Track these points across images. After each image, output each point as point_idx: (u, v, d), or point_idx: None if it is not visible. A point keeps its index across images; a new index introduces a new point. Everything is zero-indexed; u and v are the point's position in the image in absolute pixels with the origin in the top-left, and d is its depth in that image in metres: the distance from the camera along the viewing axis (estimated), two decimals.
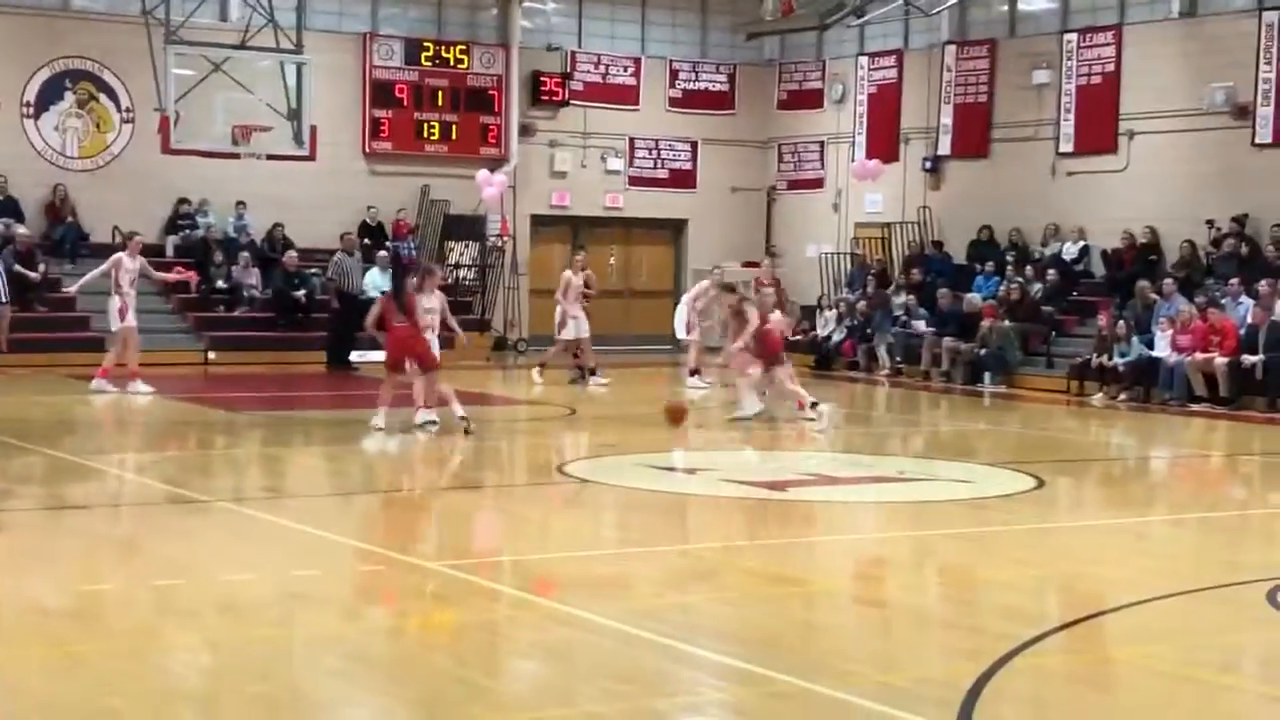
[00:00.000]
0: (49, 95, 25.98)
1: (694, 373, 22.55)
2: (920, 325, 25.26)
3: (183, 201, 26.65)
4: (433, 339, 17.21)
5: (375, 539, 11.01)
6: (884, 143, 29.09)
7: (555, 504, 13.05)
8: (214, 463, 15.27)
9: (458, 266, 28.43)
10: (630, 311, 30.62)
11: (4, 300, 12.25)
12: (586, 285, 22.87)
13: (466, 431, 15.97)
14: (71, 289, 21.46)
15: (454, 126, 28.81)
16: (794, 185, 31.39)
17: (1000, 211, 27.10)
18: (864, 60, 29.69)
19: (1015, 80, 27.25)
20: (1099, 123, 25.89)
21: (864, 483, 14.26)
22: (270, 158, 23.75)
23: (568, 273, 22.87)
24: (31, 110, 25.87)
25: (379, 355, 21.64)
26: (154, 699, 6.95)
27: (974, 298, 25.01)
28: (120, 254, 20.49)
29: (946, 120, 28.19)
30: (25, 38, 25.69)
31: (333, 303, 24.79)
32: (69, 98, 26.13)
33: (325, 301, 25.33)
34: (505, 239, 28.81)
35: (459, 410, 16.09)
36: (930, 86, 28.42)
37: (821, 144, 30.77)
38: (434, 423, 16.26)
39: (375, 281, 25.28)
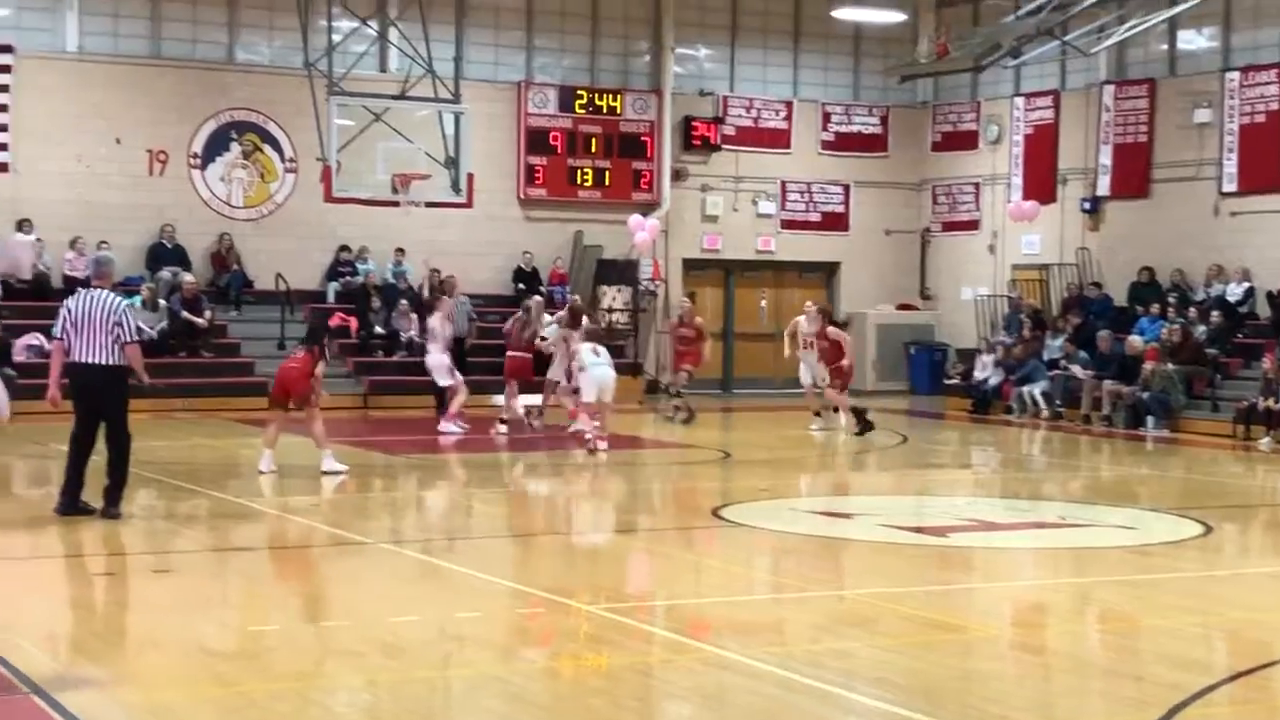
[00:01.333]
0: (215, 146, 26.66)
1: (817, 414, 22.59)
2: (1078, 369, 24.87)
3: (343, 249, 27.16)
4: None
5: (532, 581, 11.08)
6: (1041, 183, 28.77)
7: (710, 547, 13.04)
8: (373, 505, 15.49)
9: (610, 310, 28.60)
10: (782, 355, 30.45)
11: (131, 339, 12.79)
12: (697, 330, 22.88)
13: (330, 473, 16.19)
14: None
15: (607, 172, 29.06)
16: (949, 227, 31.15)
17: (1162, 252, 26.65)
18: (1020, 101, 29.42)
19: (1176, 119, 26.81)
20: (1263, 161, 25.36)
21: (1024, 528, 14.05)
22: (428, 205, 24.10)
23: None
24: (199, 161, 26.56)
25: (535, 399, 21.95)
26: None
27: (1136, 340, 24.57)
28: (438, 314, 21.25)
29: (1105, 160, 27.81)
30: (192, 91, 26.40)
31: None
32: (234, 149, 26.79)
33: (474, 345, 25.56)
34: (657, 283, 28.94)
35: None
36: (1088, 126, 28.07)
37: (976, 185, 30.52)
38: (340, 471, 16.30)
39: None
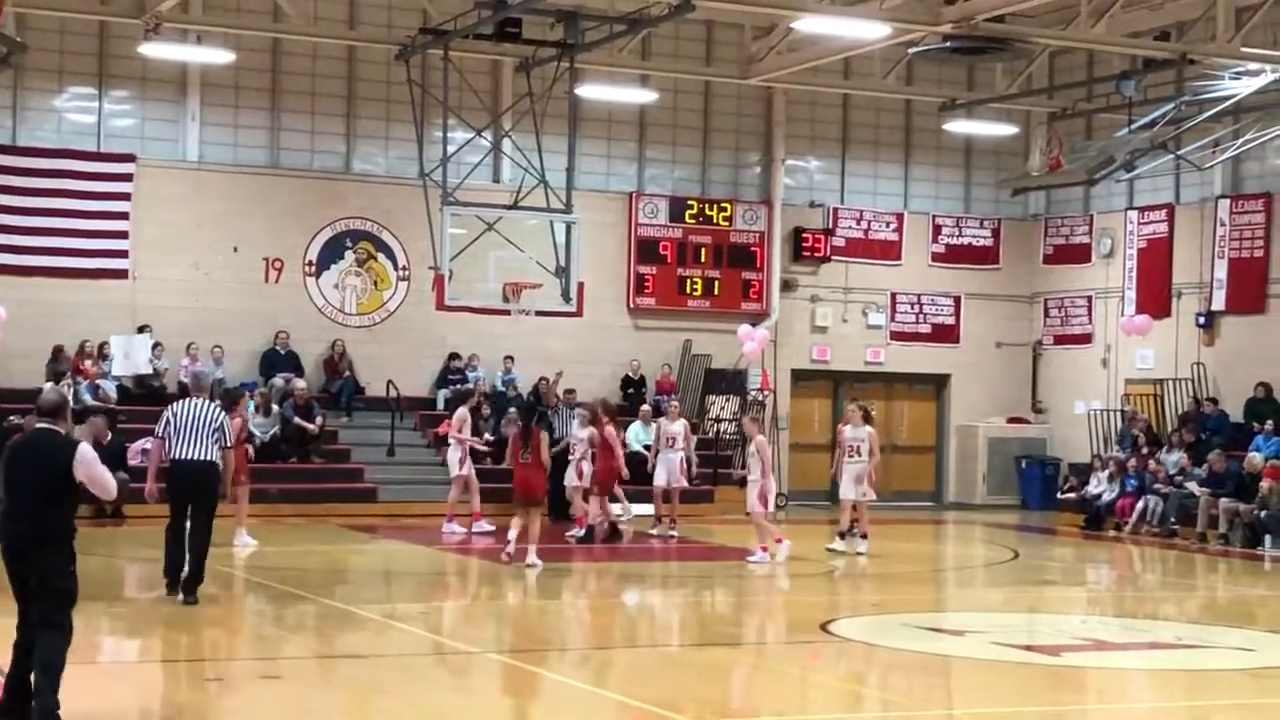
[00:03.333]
0: (330, 255, 27.05)
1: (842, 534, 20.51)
2: (1194, 485, 24.43)
3: (453, 356, 27.37)
4: None
5: (637, 693, 10.98)
6: (1154, 297, 28.46)
7: (818, 662, 12.87)
8: (480, 613, 15.47)
9: (718, 420, 28.56)
10: (891, 468, 30.19)
11: (229, 445, 13.87)
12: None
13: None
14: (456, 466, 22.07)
15: (716, 282, 29.15)
16: (1061, 340, 30.87)
17: (1279, 368, 26.20)
18: (1133, 214, 29.18)
19: None
20: None
21: (1139, 648, 13.78)
22: (539, 313, 24.27)
23: (462, 410, 22.35)
24: (313, 269, 26.95)
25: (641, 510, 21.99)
26: None
27: (1254, 457, 24.10)
28: (461, 408, 22.25)
29: (1220, 275, 27.47)
30: (309, 200, 26.85)
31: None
32: (349, 257, 27.17)
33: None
34: (766, 393, 28.88)
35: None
36: (1203, 240, 27.77)
37: (1089, 299, 30.25)
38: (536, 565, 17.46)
39: (638, 435, 25.54)
